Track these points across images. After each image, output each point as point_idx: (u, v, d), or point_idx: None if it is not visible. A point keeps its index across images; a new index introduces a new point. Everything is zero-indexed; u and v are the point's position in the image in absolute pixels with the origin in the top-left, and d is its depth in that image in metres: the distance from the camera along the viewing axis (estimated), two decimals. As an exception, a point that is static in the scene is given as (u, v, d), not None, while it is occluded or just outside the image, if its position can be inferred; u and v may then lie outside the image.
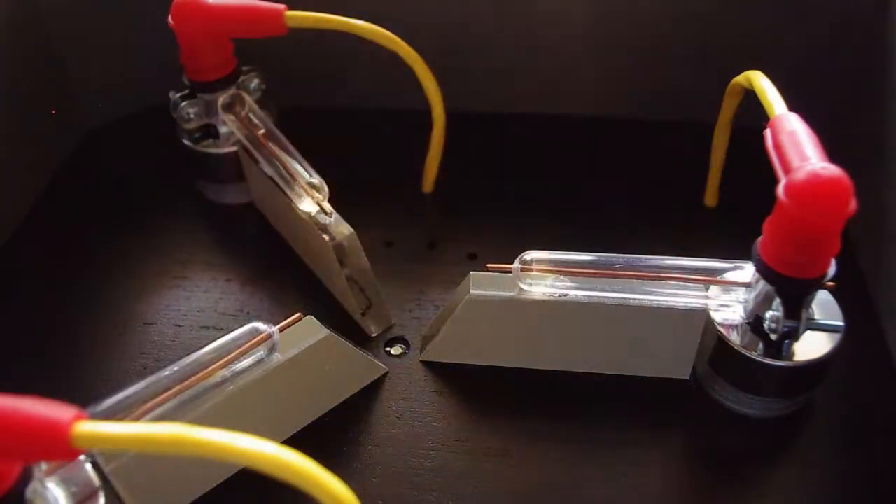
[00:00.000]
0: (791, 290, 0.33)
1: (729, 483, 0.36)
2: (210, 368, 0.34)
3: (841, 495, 0.35)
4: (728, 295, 0.36)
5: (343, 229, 0.40)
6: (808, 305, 0.35)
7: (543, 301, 0.37)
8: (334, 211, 0.40)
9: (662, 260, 0.37)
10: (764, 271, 0.33)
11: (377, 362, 0.40)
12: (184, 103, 0.46)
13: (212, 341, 0.34)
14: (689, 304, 0.36)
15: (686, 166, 0.49)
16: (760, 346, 0.35)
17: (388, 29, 0.44)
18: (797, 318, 0.34)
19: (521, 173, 0.51)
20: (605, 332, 0.38)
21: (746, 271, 0.36)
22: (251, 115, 0.45)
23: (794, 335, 0.35)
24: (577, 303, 0.37)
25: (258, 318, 0.35)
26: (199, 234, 0.48)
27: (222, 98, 0.46)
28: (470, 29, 0.51)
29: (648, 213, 0.48)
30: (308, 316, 0.37)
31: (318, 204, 0.40)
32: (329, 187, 0.41)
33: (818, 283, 0.33)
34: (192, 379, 0.33)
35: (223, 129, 0.47)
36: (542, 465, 0.36)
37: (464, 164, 0.50)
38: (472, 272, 0.39)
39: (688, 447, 0.37)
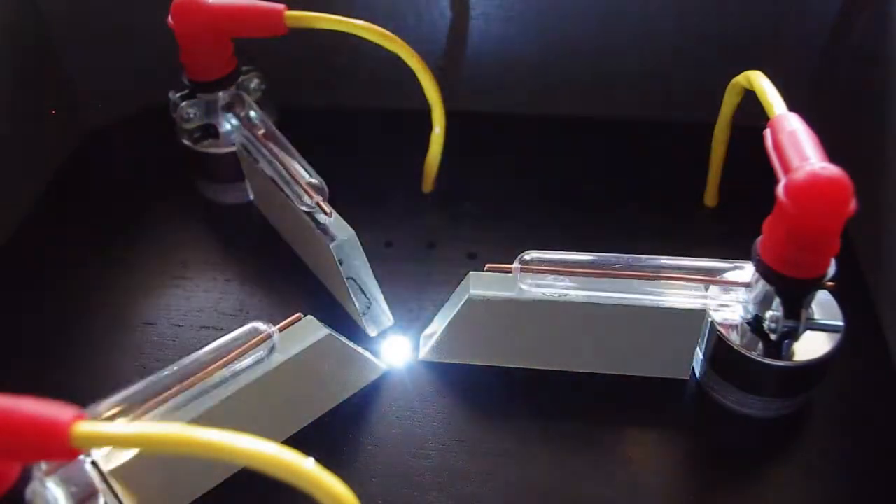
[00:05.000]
0: (791, 290, 0.33)
1: (729, 483, 0.36)
2: (210, 368, 0.34)
3: (841, 495, 0.35)
4: (728, 295, 0.36)
5: (343, 229, 0.40)
6: (808, 305, 0.35)
7: (543, 301, 0.37)
8: (334, 211, 0.40)
9: (662, 260, 0.37)
10: (764, 271, 0.33)
11: (377, 362, 0.40)
12: (184, 103, 0.46)
13: (212, 341, 0.34)
14: (689, 304, 0.36)
15: (686, 166, 0.49)
16: (760, 346, 0.35)
17: (387, 29, 0.44)
18: (797, 318, 0.34)
19: (521, 173, 0.51)
20: (605, 332, 0.38)
21: (746, 271, 0.36)
22: (251, 115, 0.45)
23: (793, 335, 0.35)
24: (577, 303, 0.37)
25: (258, 318, 0.35)
26: (199, 234, 0.48)
27: (222, 98, 0.46)
28: (471, 29, 0.51)
29: (648, 213, 0.48)
30: (308, 316, 0.37)
31: (318, 204, 0.40)
32: (329, 187, 0.41)
33: (818, 283, 0.33)
34: (192, 379, 0.33)
35: (223, 129, 0.47)
36: (542, 465, 0.36)
37: (464, 164, 0.50)
38: (471, 272, 0.39)
39: (688, 447, 0.37)
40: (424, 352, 0.40)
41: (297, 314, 0.37)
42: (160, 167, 0.52)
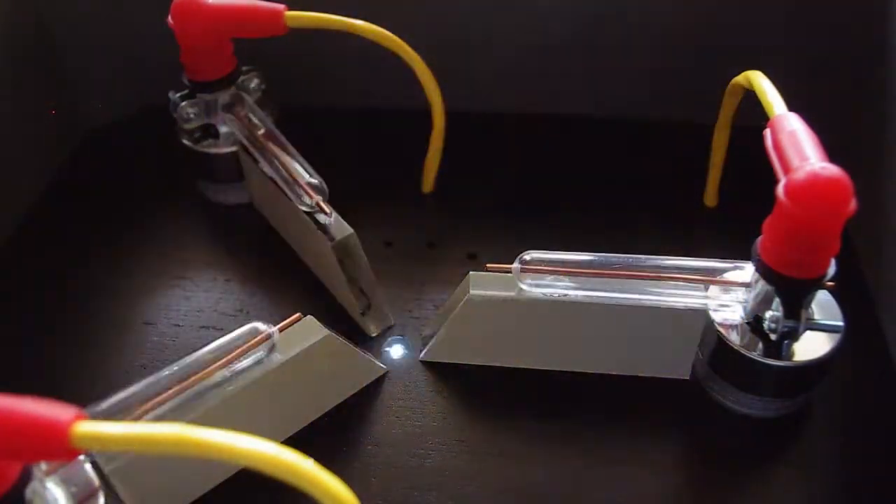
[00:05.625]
0: (791, 290, 0.33)
1: (729, 483, 0.36)
2: (210, 368, 0.34)
3: (841, 495, 0.35)
4: (728, 295, 0.36)
5: (343, 229, 0.40)
6: (808, 305, 0.35)
7: (543, 301, 0.37)
8: (334, 211, 0.40)
9: (662, 260, 0.37)
10: (764, 271, 0.33)
11: (377, 362, 0.40)
12: (184, 103, 0.46)
13: (212, 341, 0.34)
14: (689, 304, 0.36)
15: (686, 166, 0.49)
16: (760, 346, 0.35)
17: (388, 29, 0.44)
18: (797, 318, 0.34)
19: (521, 173, 0.51)
20: (605, 332, 0.38)
21: (746, 271, 0.36)
22: (251, 115, 0.45)
23: (793, 335, 0.35)
24: (577, 303, 0.37)
25: (258, 318, 0.35)
26: (199, 234, 0.48)
27: (222, 98, 0.46)
28: (470, 29, 0.51)
29: (648, 213, 0.48)
30: (308, 316, 0.37)
31: (318, 204, 0.40)
32: (329, 187, 0.41)
33: (818, 283, 0.33)
34: (192, 379, 0.33)
35: (223, 129, 0.47)
36: (542, 465, 0.36)
37: (464, 164, 0.50)
38: (471, 272, 0.39)
39: (688, 447, 0.37)
40: (424, 352, 0.40)
41: (297, 314, 0.37)
42: (160, 167, 0.52)
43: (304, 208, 0.40)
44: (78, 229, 0.49)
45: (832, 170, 0.30)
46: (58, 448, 0.23)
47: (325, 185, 0.41)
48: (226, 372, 0.34)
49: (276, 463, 0.22)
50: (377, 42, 0.44)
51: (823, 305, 0.36)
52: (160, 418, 0.32)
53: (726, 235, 0.41)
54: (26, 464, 0.27)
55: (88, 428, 0.23)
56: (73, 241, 0.48)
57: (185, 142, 0.47)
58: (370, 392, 0.39)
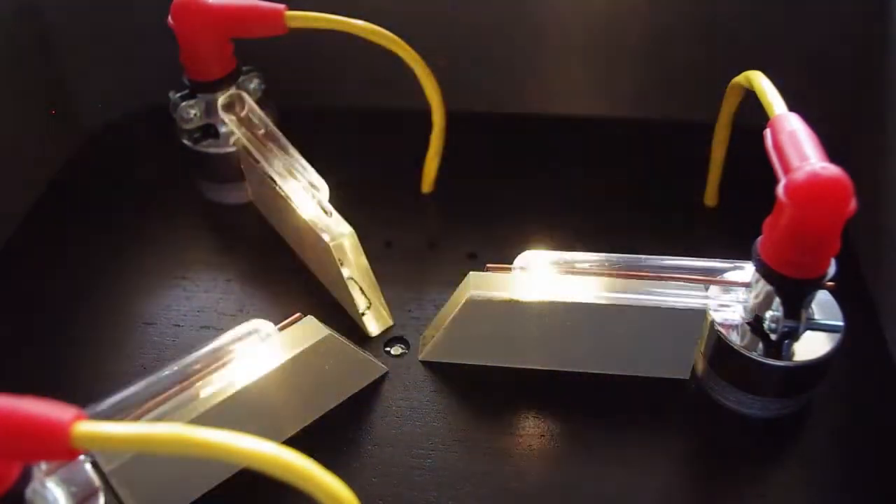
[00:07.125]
0: (791, 290, 0.33)
1: (729, 483, 0.36)
2: (210, 368, 0.34)
3: (841, 495, 0.35)
4: (728, 295, 0.36)
5: (343, 229, 0.40)
6: (808, 305, 0.35)
7: (543, 301, 0.37)
8: (334, 211, 0.40)
9: (662, 260, 0.37)
10: (764, 271, 0.33)
11: (377, 362, 0.40)
12: (184, 103, 0.46)
13: (212, 341, 0.34)
14: (689, 304, 0.36)
15: (686, 166, 0.49)
16: (760, 346, 0.35)
17: (388, 29, 0.44)
18: (797, 318, 0.34)
19: (521, 173, 0.51)
20: (605, 332, 0.38)
21: (746, 271, 0.36)
22: (251, 115, 0.45)
23: (794, 335, 0.35)
24: (577, 303, 0.37)
25: (258, 318, 0.35)
26: (199, 234, 0.48)
27: (222, 98, 0.46)
28: (470, 29, 0.51)
29: (648, 213, 0.48)
30: (308, 316, 0.37)
31: (318, 204, 0.40)
32: (329, 187, 0.41)
33: (818, 283, 0.33)
34: (192, 379, 0.33)
35: (223, 129, 0.47)
36: (542, 465, 0.36)
37: (464, 164, 0.50)
38: (471, 272, 0.39)
39: (688, 447, 0.37)
40: (424, 352, 0.40)
41: (297, 314, 0.37)
42: (160, 167, 0.52)
43: (304, 209, 0.40)
44: (78, 229, 0.49)
45: (832, 170, 0.30)
46: (58, 448, 0.23)
47: (325, 185, 0.41)
48: (226, 372, 0.34)
49: (276, 463, 0.22)
50: (377, 42, 0.44)
51: (823, 305, 0.36)
52: (160, 418, 0.32)
53: (726, 235, 0.41)
54: (26, 464, 0.27)
55: (88, 428, 0.23)
56: (72, 241, 0.48)
57: (185, 142, 0.47)
58: (370, 392, 0.39)
